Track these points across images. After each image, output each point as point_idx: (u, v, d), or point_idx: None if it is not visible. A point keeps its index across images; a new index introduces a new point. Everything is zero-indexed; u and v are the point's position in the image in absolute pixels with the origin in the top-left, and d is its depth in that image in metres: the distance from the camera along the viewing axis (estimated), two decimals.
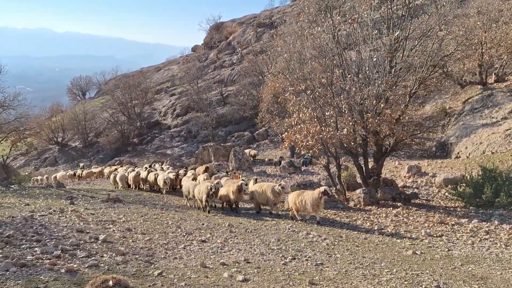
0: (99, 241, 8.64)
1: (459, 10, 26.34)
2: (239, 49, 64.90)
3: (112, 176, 22.56)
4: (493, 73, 28.26)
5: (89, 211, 12.29)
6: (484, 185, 12.89)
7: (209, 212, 14.16)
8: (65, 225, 10.04)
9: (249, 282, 6.75)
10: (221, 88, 53.44)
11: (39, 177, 30.73)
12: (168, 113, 55.34)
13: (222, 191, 14.42)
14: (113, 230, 10.01)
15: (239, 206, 14.80)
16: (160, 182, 18.75)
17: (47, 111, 61.89)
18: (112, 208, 13.49)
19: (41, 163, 51.17)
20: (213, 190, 13.90)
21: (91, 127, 55.99)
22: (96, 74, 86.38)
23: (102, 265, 7.12)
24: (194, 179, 17.60)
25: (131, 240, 9.21)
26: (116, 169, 26.03)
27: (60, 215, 11.31)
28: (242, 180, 14.63)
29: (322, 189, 11.62)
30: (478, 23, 25.82)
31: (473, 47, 25.81)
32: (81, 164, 41.20)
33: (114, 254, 7.83)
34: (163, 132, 51.87)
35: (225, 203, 15.03)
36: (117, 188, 21.37)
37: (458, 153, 23.09)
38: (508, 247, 9.26)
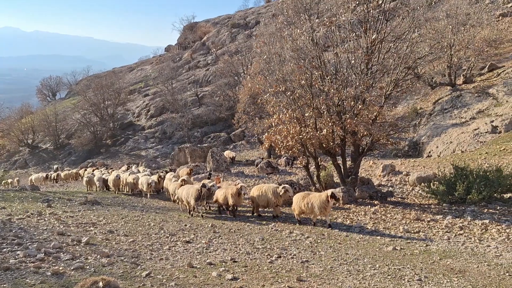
0: (82, 244, 8.58)
1: (429, 14, 27.26)
2: (214, 49, 64.78)
3: (85, 178, 21.90)
4: (461, 75, 29.30)
5: (68, 214, 12.12)
6: (456, 183, 13.37)
7: (202, 216, 13.39)
8: (45, 228, 9.89)
9: (239, 280, 6.85)
10: (196, 88, 53.21)
11: (9, 180, 29.80)
12: (142, 114, 54.69)
13: (219, 194, 13.76)
14: (95, 233, 9.94)
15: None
16: (144, 186, 18.05)
17: (16, 112, 59.97)
18: (91, 210, 13.33)
19: (10, 166, 49.61)
20: (203, 193, 13.03)
21: (62, 129, 54.67)
22: (66, 75, 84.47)
23: (87, 267, 7.10)
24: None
25: (114, 242, 9.17)
26: (93, 171, 25.43)
27: (39, 218, 11.12)
28: (241, 183, 14.04)
29: (329, 192, 11.38)
30: (450, 26, 26.76)
31: (444, 50, 26.76)
32: (55, 166, 40.09)
33: (98, 256, 7.80)
34: (137, 133, 51.23)
35: (221, 207, 14.22)
36: (91, 190, 20.97)
37: (430, 152, 23.84)
38: (482, 242, 9.69)
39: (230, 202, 13.39)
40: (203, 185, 13.12)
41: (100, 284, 5.58)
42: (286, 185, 12.92)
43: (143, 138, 49.47)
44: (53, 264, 7.06)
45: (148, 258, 8.07)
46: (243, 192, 13.10)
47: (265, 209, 13.94)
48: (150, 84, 63.80)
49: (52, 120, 53.54)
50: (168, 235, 10.13)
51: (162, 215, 13.42)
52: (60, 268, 6.86)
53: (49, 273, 6.58)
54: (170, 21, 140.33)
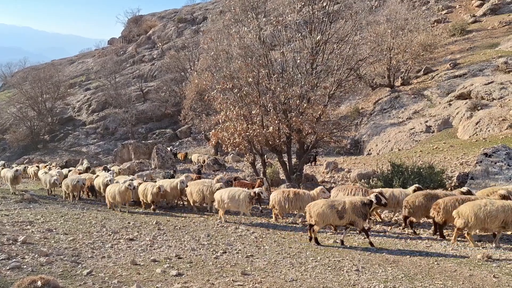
0: (19, 243, 8.17)
1: (371, 17, 28.48)
2: (160, 44, 63.47)
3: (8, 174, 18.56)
4: (399, 77, 30.92)
5: (3, 212, 11.48)
6: (393, 179, 14.16)
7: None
8: None
9: (183, 276, 6.85)
10: (140, 83, 51.91)
11: None
12: (83, 108, 52.57)
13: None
14: (32, 231, 9.49)
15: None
16: (148, 195, 13.78)
17: None
18: (28, 208, 12.69)
19: None
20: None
21: None
22: (1, 66, 79.11)
23: (25, 267, 6.79)
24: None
25: (53, 241, 8.81)
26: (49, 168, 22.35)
27: None
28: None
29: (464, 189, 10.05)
30: (389, 30, 28.13)
31: (384, 53, 28.09)
32: (1, 162, 37.12)
33: (36, 255, 7.47)
34: (78, 129, 49.18)
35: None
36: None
37: (370, 150, 24.99)
38: (415, 234, 10.36)
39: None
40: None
41: (39, 283, 5.37)
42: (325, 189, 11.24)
43: (84, 134, 47.58)
44: None
45: (89, 256, 7.84)
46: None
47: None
48: (92, 78, 61.42)
49: None
50: (110, 233, 9.87)
51: (104, 213, 13.05)
52: None
53: None
54: (115, 13, 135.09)
